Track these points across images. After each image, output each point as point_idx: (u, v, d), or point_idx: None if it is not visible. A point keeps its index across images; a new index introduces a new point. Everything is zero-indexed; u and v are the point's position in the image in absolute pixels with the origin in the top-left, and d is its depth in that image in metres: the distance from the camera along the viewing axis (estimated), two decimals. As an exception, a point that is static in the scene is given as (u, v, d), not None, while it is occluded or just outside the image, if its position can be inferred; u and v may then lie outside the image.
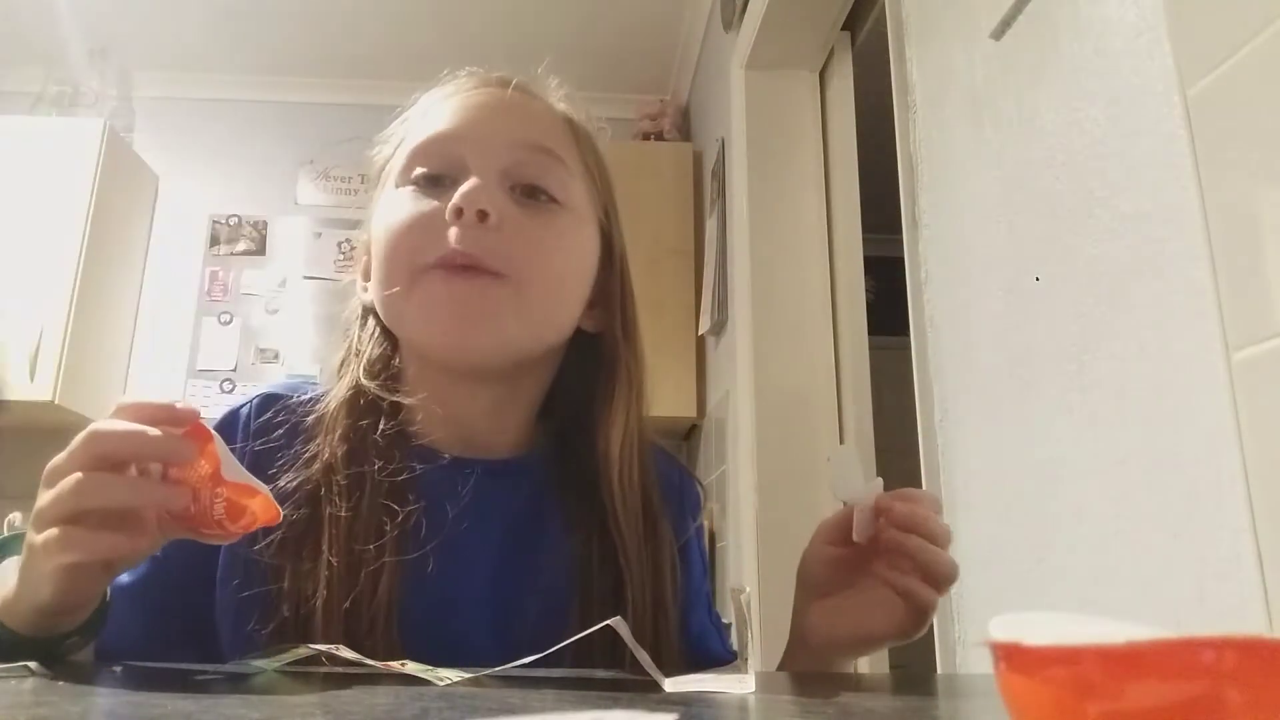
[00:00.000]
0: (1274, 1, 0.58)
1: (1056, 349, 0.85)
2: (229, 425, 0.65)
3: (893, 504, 0.58)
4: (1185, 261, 0.67)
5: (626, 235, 0.73)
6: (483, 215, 0.58)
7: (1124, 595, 0.74)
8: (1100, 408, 0.78)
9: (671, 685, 0.44)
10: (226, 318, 3.11)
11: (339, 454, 0.62)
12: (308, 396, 0.66)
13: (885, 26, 1.30)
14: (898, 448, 1.72)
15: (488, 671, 0.46)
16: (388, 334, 0.68)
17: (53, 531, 0.44)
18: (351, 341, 0.70)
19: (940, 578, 0.58)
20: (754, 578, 1.90)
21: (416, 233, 0.60)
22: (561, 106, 0.69)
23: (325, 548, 0.58)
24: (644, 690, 0.43)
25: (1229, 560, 0.62)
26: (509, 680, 0.46)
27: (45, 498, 0.45)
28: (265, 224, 3.23)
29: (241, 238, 3.21)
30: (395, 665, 0.47)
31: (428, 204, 0.61)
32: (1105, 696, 0.20)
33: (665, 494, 0.71)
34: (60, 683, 0.43)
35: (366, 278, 0.69)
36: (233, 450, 0.49)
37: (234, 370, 3.02)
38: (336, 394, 0.65)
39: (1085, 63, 0.83)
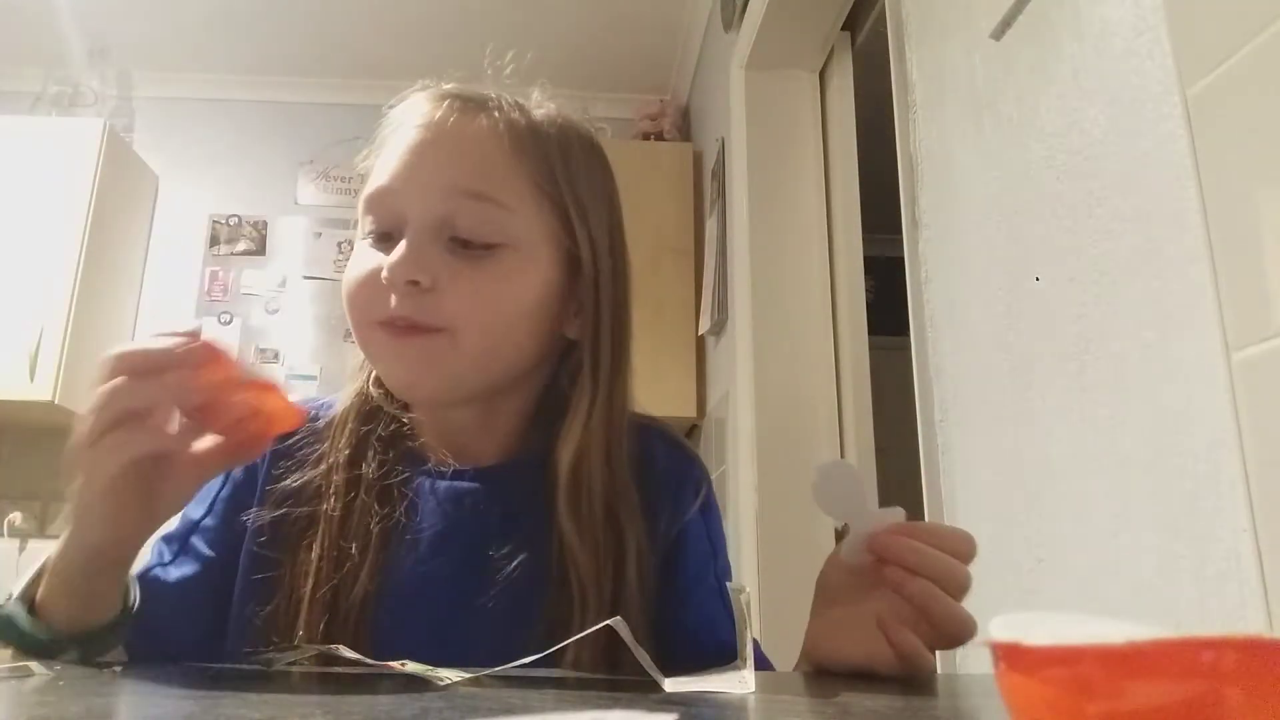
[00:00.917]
0: (1274, 1, 0.58)
1: (1056, 349, 0.85)
2: None
3: (888, 540, 0.53)
4: (1185, 261, 0.67)
5: (626, 234, 0.72)
6: (413, 284, 0.61)
7: (1124, 595, 0.74)
8: (1100, 408, 0.78)
9: (671, 685, 0.44)
10: (226, 318, 3.11)
11: (342, 456, 0.66)
12: (321, 403, 0.71)
13: (885, 26, 1.30)
14: (897, 448, 1.72)
15: (488, 671, 0.47)
16: None
17: (103, 441, 0.48)
18: None
19: (948, 636, 0.52)
20: (754, 578, 1.91)
21: (365, 293, 0.63)
22: (514, 116, 0.66)
23: (317, 542, 0.63)
24: (644, 690, 0.43)
25: (1229, 560, 0.62)
26: (509, 680, 0.46)
27: (84, 422, 0.49)
28: (265, 224, 3.23)
29: (241, 238, 3.22)
30: (395, 665, 0.47)
31: (375, 262, 0.63)
32: (1105, 696, 0.20)
33: (662, 481, 0.71)
34: (60, 683, 0.43)
35: None
36: None
37: (234, 370, 3.02)
38: (345, 398, 0.70)
39: (1085, 63, 0.83)
